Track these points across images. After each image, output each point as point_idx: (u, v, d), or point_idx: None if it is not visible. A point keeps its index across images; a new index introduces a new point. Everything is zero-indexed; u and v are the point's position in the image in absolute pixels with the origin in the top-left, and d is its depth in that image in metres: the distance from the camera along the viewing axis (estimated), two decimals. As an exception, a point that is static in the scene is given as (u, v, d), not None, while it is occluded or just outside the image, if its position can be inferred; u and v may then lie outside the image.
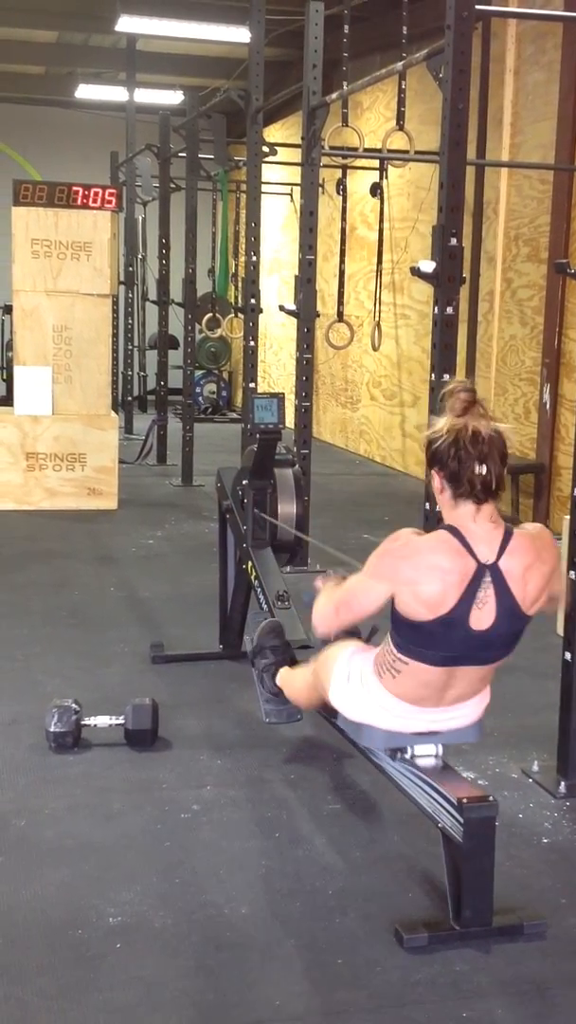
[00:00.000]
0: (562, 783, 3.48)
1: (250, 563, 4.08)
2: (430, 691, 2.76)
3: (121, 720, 3.69)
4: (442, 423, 2.59)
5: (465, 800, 2.66)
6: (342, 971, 2.54)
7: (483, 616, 2.62)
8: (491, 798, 2.70)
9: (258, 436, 4.04)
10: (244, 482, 4.19)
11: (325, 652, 3.08)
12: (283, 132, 11.88)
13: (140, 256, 11.94)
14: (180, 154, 8.96)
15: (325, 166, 7.51)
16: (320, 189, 6.67)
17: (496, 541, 2.63)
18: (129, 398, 11.67)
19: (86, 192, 7.53)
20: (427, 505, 4.45)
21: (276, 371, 12.93)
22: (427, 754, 2.90)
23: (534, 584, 2.66)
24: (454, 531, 2.62)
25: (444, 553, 2.59)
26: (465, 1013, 2.41)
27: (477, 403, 2.59)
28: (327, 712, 3.24)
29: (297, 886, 2.88)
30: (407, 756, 2.91)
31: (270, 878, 2.92)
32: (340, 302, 8.25)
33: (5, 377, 12.08)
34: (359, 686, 2.86)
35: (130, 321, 11.89)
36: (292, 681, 3.42)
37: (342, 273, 8.25)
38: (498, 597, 2.62)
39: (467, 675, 2.76)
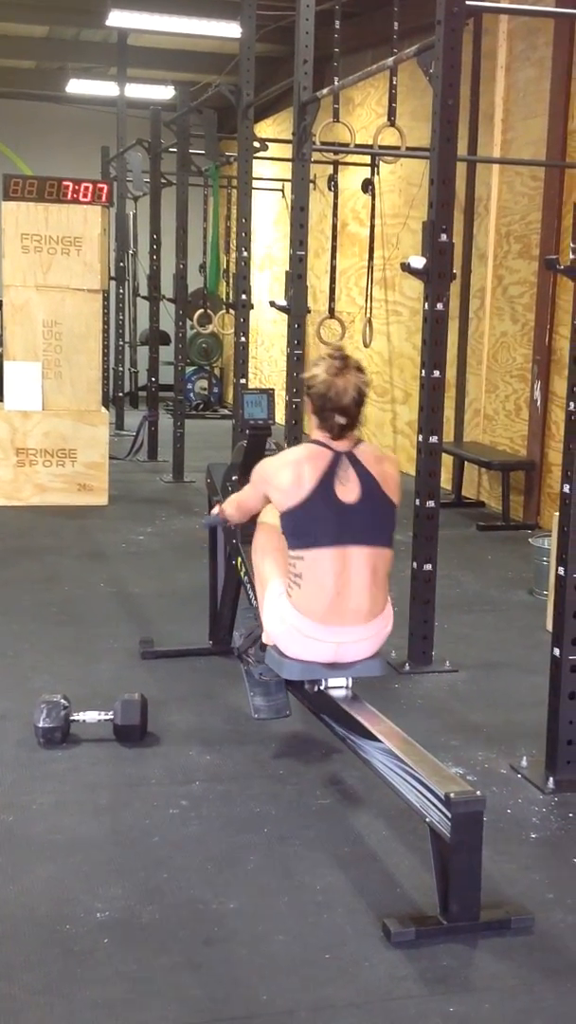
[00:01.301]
0: (550, 779, 3.48)
1: (239, 559, 4.07)
2: (329, 594, 3.16)
3: (110, 716, 3.69)
4: (320, 372, 3.20)
5: (453, 795, 2.66)
6: (330, 966, 2.54)
7: (348, 490, 3.17)
8: (479, 793, 2.71)
9: (247, 431, 4.04)
10: (234, 478, 4.18)
11: (261, 539, 3.50)
12: (274, 128, 11.87)
13: (131, 252, 11.91)
14: (171, 149, 8.94)
15: (316, 162, 7.49)
16: (311, 185, 6.65)
17: (351, 443, 3.24)
18: (120, 394, 11.66)
19: (76, 187, 7.51)
20: (416, 501, 4.46)
21: (268, 367, 12.92)
22: (338, 686, 3.33)
23: (390, 475, 3.24)
24: (314, 440, 3.25)
25: (300, 452, 3.25)
26: (452, 1008, 2.41)
27: (348, 366, 3.21)
28: (261, 651, 3.54)
29: (285, 881, 2.88)
30: (322, 687, 3.33)
31: (258, 873, 2.92)
32: (331, 298, 8.23)
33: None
34: (277, 618, 3.27)
35: (121, 317, 11.87)
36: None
37: (333, 269, 8.24)
38: (359, 475, 3.19)
39: (358, 570, 3.16)
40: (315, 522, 3.15)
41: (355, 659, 3.29)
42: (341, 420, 3.18)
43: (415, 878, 2.90)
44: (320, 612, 3.19)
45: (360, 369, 3.25)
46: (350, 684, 3.34)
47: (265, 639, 3.42)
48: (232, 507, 3.74)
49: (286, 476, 3.19)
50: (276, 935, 2.65)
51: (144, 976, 2.47)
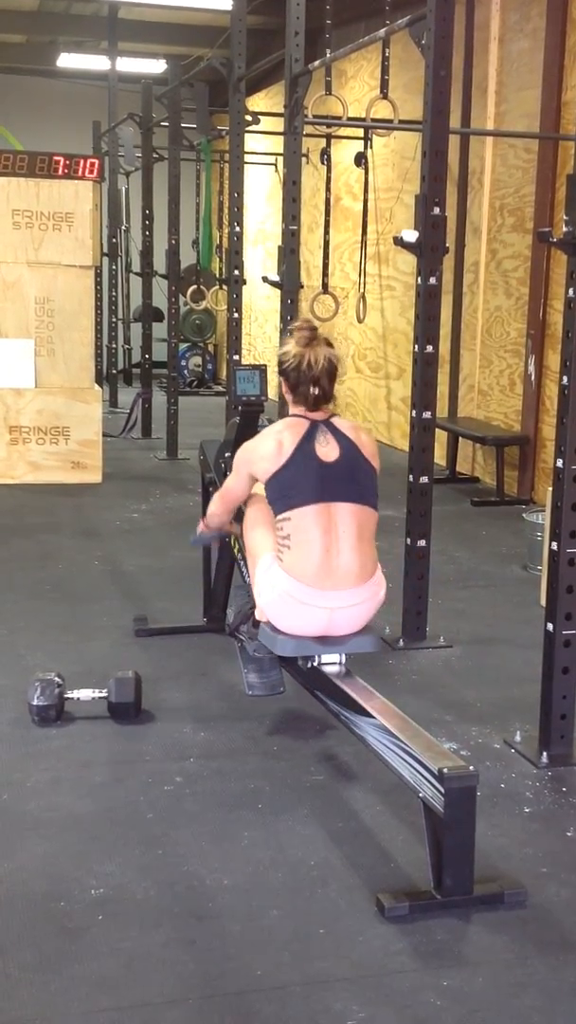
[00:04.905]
0: (544, 753, 3.49)
1: (232, 536, 4.06)
2: (318, 552, 3.22)
3: (104, 693, 3.69)
4: (291, 347, 3.37)
5: (446, 770, 2.66)
6: (324, 941, 2.55)
7: (329, 450, 3.30)
8: (472, 768, 2.71)
9: (240, 408, 4.02)
10: (227, 454, 4.16)
11: (251, 513, 3.57)
12: (267, 101, 11.78)
13: (123, 227, 11.84)
14: (163, 123, 8.87)
15: (309, 135, 7.44)
16: (304, 159, 6.60)
17: (326, 415, 3.40)
18: (114, 371, 11.62)
19: (67, 162, 7.45)
20: (410, 477, 4.44)
21: (262, 343, 12.87)
22: (332, 662, 3.35)
23: (367, 441, 3.39)
24: (291, 415, 3.41)
25: (278, 424, 3.42)
26: (446, 982, 2.42)
27: (317, 337, 3.37)
28: (253, 628, 3.55)
29: (279, 857, 2.89)
30: (315, 663, 3.34)
31: (252, 849, 2.93)
32: (325, 273, 8.20)
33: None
34: (269, 587, 3.31)
35: (114, 293, 11.81)
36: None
37: (327, 244, 8.20)
38: (337, 438, 3.33)
39: (345, 527, 3.25)
40: (298, 480, 3.26)
41: (348, 631, 3.33)
42: (315, 391, 3.33)
43: (409, 853, 2.91)
44: (311, 573, 3.24)
45: (329, 344, 3.39)
46: (343, 660, 3.36)
47: (258, 614, 3.42)
48: (214, 505, 3.78)
49: (268, 444, 3.33)
50: (270, 910, 2.66)
51: (138, 952, 2.48)
